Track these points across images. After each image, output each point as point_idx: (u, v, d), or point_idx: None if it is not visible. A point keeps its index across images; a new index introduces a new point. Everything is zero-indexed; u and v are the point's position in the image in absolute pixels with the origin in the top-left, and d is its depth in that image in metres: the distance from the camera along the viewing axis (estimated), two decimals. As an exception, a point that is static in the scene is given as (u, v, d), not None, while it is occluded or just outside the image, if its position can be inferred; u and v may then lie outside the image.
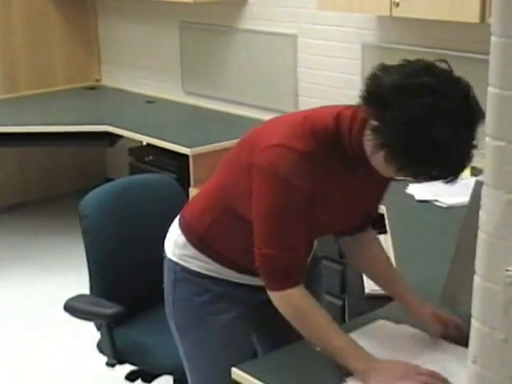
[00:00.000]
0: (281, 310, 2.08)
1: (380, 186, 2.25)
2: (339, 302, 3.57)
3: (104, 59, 6.31)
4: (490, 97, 1.31)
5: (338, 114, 2.04)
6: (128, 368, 2.98)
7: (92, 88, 6.15)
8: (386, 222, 3.15)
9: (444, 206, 3.28)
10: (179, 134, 4.65)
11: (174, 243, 2.37)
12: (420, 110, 1.82)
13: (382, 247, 2.40)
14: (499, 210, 1.31)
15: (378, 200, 2.34)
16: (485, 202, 1.35)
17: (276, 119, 2.21)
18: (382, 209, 3.26)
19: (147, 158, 4.66)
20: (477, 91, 3.70)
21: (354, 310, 3.42)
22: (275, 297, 2.07)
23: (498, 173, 1.31)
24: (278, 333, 2.32)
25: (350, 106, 2.06)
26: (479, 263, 1.39)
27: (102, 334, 2.83)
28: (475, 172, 3.61)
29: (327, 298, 3.47)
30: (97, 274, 2.91)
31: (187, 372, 2.44)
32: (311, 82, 4.56)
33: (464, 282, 1.95)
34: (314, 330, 2.06)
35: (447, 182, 1.92)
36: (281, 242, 2.04)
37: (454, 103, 1.86)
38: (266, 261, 2.05)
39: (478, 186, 1.75)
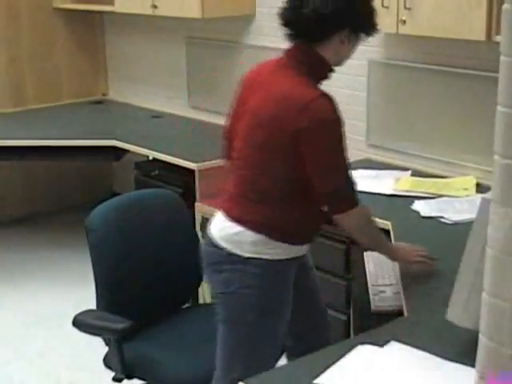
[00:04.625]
0: (353, 225, 2.62)
1: None
2: (344, 318, 3.57)
3: (111, 74, 6.34)
4: (498, 115, 1.32)
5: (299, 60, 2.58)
6: (135, 383, 2.99)
7: (99, 102, 6.17)
8: (392, 237, 3.16)
9: (449, 222, 3.28)
10: (185, 148, 4.66)
11: (252, 243, 2.59)
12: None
13: None
14: (507, 226, 1.32)
15: None
16: (493, 218, 1.36)
17: (263, 91, 2.61)
18: (388, 225, 3.28)
19: (153, 172, 4.67)
20: (482, 108, 3.73)
21: (359, 325, 3.43)
22: (348, 216, 2.56)
23: (506, 190, 1.32)
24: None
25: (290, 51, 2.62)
26: (487, 279, 1.40)
27: (110, 349, 2.83)
28: (481, 189, 3.63)
29: (332, 312, 3.48)
30: (104, 289, 2.91)
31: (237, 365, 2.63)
32: (317, 98, 4.56)
33: (469, 299, 1.97)
34: (372, 233, 2.69)
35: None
36: (345, 169, 2.54)
37: None
38: (340, 188, 2.54)
39: (484, 203, 1.77)
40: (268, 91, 2.59)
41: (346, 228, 2.66)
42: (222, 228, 2.66)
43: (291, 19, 2.57)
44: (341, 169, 2.54)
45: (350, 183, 2.57)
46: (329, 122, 2.47)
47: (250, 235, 2.59)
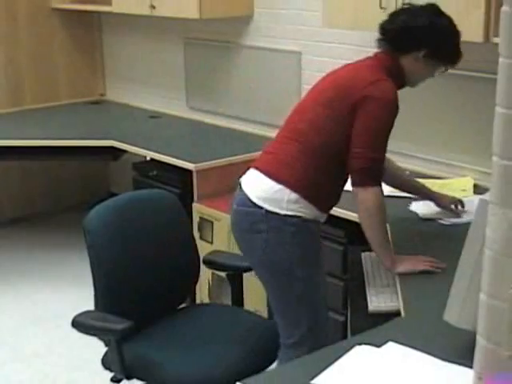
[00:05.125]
0: (368, 202, 2.79)
1: None
2: (341, 318, 3.58)
3: (108, 74, 6.34)
4: (497, 116, 1.32)
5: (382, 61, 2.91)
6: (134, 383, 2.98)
7: (96, 103, 6.18)
8: (390, 239, 3.16)
9: (447, 223, 3.29)
10: (183, 149, 4.66)
11: (288, 200, 2.82)
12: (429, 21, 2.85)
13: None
14: (505, 228, 1.32)
15: None
16: (491, 220, 1.36)
17: (344, 72, 2.94)
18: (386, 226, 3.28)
19: (151, 172, 4.67)
20: (480, 109, 3.73)
21: (357, 326, 3.43)
22: (368, 192, 2.78)
23: (505, 191, 1.32)
24: None
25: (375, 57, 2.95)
26: (485, 281, 1.40)
27: (110, 350, 2.82)
28: (478, 190, 3.63)
29: (329, 313, 3.48)
30: (102, 289, 2.91)
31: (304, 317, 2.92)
32: (315, 98, 4.57)
33: (467, 299, 1.97)
34: (381, 223, 2.83)
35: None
36: (383, 151, 2.80)
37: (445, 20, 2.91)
38: (373, 163, 2.77)
39: (482, 204, 1.77)
40: (348, 69, 2.96)
41: (360, 204, 2.83)
42: (259, 187, 2.87)
43: (384, 26, 2.93)
44: (381, 147, 2.80)
45: (382, 163, 2.82)
46: (389, 102, 2.77)
47: (288, 193, 2.82)
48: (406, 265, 2.79)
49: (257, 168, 2.93)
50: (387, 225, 3.24)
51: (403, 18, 2.89)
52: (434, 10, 2.91)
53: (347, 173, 2.88)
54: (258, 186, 2.88)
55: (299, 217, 2.84)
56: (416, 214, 3.40)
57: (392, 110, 2.79)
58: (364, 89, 2.77)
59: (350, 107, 2.78)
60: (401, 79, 2.91)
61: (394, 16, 2.95)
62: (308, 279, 2.91)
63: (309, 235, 2.90)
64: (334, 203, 3.03)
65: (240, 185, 2.96)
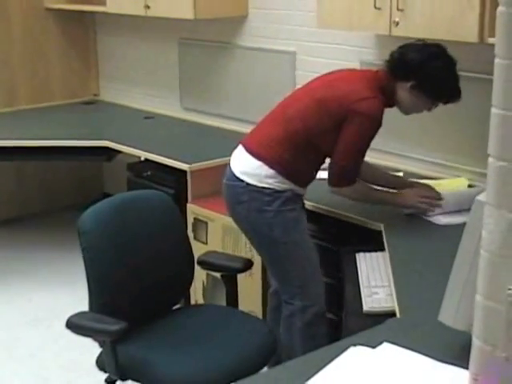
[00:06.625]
0: (344, 194, 3.29)
1: None
2: (335, 319, 3.57)
3: (102, 74, 6.33)
4: (493, 118, 1.32)
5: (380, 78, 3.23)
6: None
7: (90, 103, 6.16)
8: (384, 238, 3.16)
9: (441, 223, 3.29)
10: (177, 149, 4.65)
11: (265, 176, 3.22)
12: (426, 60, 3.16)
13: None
14: (502, 229, 1.32)
15: None
16: (487, 221, 1.36)
17: (344, 75, 3.31)
18: (380, 226, 3.28)
19: (145, 173, 4.66)
20: (474, 109, 3.74)
21: (351, 327, 3.42)
22: (342, 189, 3.27)
23: (501, 193, 1.32)
24: None
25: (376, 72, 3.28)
26: (481, 282, 1.39)
27: (104, 351, 2.81)
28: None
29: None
30: (96, 290, 2.90)
31: (285, 270, 3.30)
32: (309, 99, 4.56)
33: (462, 300, 1.96)
34: (367, 197, 3.36)
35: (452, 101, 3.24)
36: (362, 158, 3.24)
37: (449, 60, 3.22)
38: (350, 169, 3.21)
39: (477, 205, 1.77)
40: (349, 75, 3.30)
41: (336, 194, 3.32)
42: (242, 164, 3.27)
43: (392, 52, 3.25)
44: (360, 156, 3.22)
45: (358, 168, 3.24)
46: (375, 119, 3.12)
47: (266, 169, 3.21)
48: (407, 204, 3.37)
49: (244, 145, 3.33)
50: (381, 224, 3.25)
51: (403, 51, 3.21)
52: (434, 51, 3.17)
53: (323, 157, 3.31)
54: (241, 163, 3.28)
55: (273, 189, 3.22)
56: (410, 214, 3.40)
57: (374, 126, 3.15)
58: (355, 103, 3.11)
59: (338, 112, 3.15)
60: (391, 99, 3.23)
61: (401, 47, 3.26)
62: (289, 241, 3.26)
63: (285, 201, 3.24)
64: (310, 180, 3.38)
65: (230, 161, 3.37)
